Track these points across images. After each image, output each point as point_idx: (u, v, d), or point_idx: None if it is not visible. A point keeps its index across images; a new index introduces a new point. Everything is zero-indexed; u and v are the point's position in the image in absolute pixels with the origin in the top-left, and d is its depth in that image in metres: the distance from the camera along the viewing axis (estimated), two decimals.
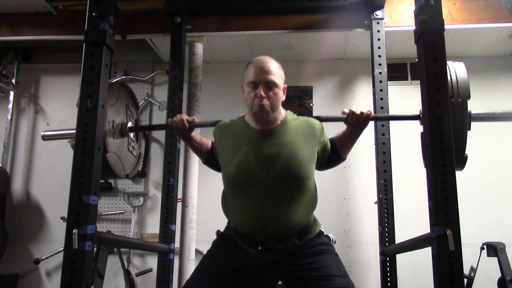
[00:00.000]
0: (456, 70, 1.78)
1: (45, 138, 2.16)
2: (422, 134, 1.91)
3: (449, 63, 1.78)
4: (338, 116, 1.79)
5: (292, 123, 1.70)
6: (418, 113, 1.79)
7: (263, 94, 1.60)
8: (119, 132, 2.02)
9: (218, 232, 1.76)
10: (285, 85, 1.71)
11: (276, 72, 1.65)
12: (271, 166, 1.60)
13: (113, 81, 2.70)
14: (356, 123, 1.72)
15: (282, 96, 1.68)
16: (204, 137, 1.90)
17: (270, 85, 1.62)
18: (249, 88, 1.65)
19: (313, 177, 1.71)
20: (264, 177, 1.59)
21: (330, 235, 1.75)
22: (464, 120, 1.71)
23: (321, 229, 1.72)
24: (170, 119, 1.85)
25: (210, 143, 1.86)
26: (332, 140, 1.79)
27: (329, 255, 1.62)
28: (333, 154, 1.78)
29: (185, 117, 1.82)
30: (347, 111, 1.74)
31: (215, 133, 1.81)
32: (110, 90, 1.87)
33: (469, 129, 1.74)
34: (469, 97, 1.73)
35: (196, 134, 1.88)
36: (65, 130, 2.22)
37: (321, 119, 1.80)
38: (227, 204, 1.73)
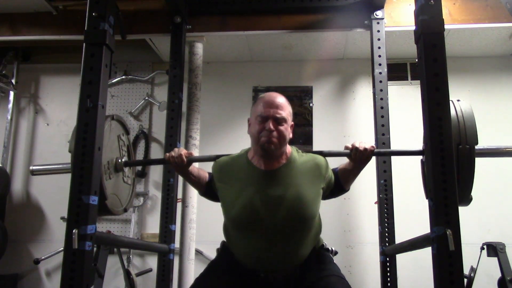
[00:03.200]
0: (463, 112, 1.76)
1: (34, 173, 2.13)
2: (422, 162, 1.88)
3: (455, 101, 1.76)
4: (341, 152, 1.77)
5: (297, 162, 1.69)
6: (421, 149, 1.79)
7: (272, 127, 1.60)
8: (114, 169, 1.98)
9: (223, 243, 1.77)
10: (293, 123, 1.71)
11: (286, 108, 1.66)
12: (277, 208, 1.59)
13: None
14: (359, 159, 1.72)
15: (290, 133, 1.67)
16: (202, 169, 1.87)
17: (279, 121, 1.62)
18: (257, 122, 1.64)
19: (318, 212, 1.70)
20: (269, 218, 1.58)
21: (332, 248, 1.75)
22: (472, 166, 1.71)
23: (322, 243, 1.74)
24: (168, 154, 1.82)
25: (207, 176, 1.83)
26: (335, 172, 1.78)
27: (332, 277, 1.60)
28: (336, 187, 1.78)
29: (183, 151, 1.79)
30: (350, 146, 1.73)
31: (215, 171, 1.78)
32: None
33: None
34: (476, 143, 1.72)
35: (193, 167, 1.85)
36: (55, 165, 2.18)
37: (324, 154, 1.79)
38: (229, 237, 1.73)
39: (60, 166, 2.09)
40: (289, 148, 1.72)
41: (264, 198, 1.60)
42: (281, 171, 1.66)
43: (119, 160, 2.02)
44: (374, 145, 1.74)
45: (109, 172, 1.93)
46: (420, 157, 1.92)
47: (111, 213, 1.92)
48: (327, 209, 3.44)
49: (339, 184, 1.78)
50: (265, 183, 1.64)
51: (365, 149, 1.70)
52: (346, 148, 1.74)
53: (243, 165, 1.71)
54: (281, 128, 1.62)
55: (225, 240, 1.76)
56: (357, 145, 1.71)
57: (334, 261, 1.72)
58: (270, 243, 1.58)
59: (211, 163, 1.83)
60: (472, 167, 1.71)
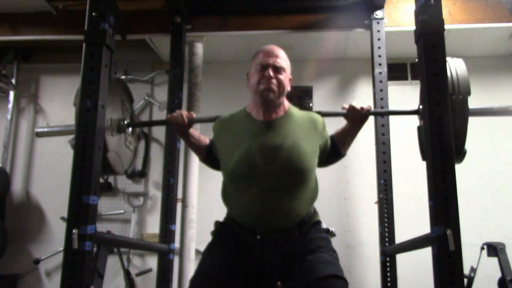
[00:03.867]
0: (456, 67, 1.81)
1: (39, 135, 2.16)
2: (418, 128, 1.93)
3: (448, 59, 1.80)
4: (338, 111, 1.80)
5: (295, 116, 1.71)
6: (417, 108, 1.85)
7: (271, 74, 1.63)
8: (116, 129, 2.02)
9: (216, 223, 1.74)
10: (291, 76, 1.74)
11: (284, 59, 1.70)
12: (274, 158, 1.58)
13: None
14: (356, 118, 1.74)
15: (288, 84, 1.70)
16: (203, 135, 1.90)
17: (279, 69, 1.65)
18: (256, 71, 1.66)
19: (315, 171, 1.70)
20: (267, 169, 1.57)
21: (331, 229, 1.72)
22: (465, 116, 1.73)
23: (319, 219, 1.70)
24: (169, 115, 1.87)
25: (208, 141, 1.86)
26: (331, 137, 1.80)
27: (326, 253, 1.59)
28: (332, 151, 1.79)
29: (184, 112, 1.84)
30: (347, 106, 1.76)
31: (215, 128, 1.80)
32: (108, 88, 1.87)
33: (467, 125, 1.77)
34: (469, 94, 1.75)
35: (195, 131, 1.88)
36: (59, 127, 2.21)
37: (322, 113, 1.81)
38: (227, 194, 1.71)
39: (64, 128, 2.12)
40: (286, 102, 1.74)
41: (261, 148, 1.60)
42: (279, 122, 1.66)
43: (121, 122, 2.05)
44: (370, 105, 1.77)
45: (112, 129, 1.96)
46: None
47: (112, 170, 1.91)
48: (327, 209, 3.43)
49: (335, 148, 1.78)
50: (262, 133, 1.64)
51: (362, 108, 1.73)
52: (343, 108, 1.77)
53: (242, 118, 1.73)
54: (281, 76, 1.65)
55: (222, 201, 1.72)
56: (354, 104, 1.74)
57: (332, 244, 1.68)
58: (266, 195, 1.57)
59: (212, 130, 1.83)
60: (465, 118, 1.73)
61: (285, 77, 1.68)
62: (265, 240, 1.58)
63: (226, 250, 1.62)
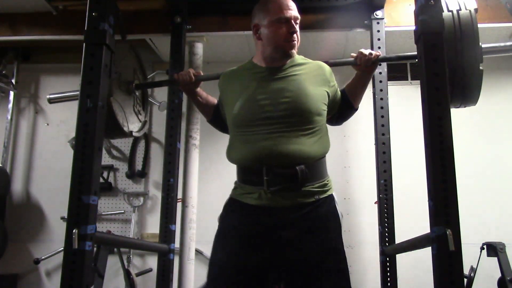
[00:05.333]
0: None
1: (51, 101, 2.17)
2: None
3: None
4: (346, 60, 1.80)
5: (300, 62, 1.70)
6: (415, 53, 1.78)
7: (297, 29, 1.62)
8: (125, 89, 2.01)
9: (225, 206, 1.69)
10: None
11: (296, 8, 1.67)
12: (279, 99, 1.57)
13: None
14: (365, 65, 1.74)
15: None
16: (211, 96, 1.90)
17: (297, 21, 1.65)
18: (276, 25, 1.61)
19: (325, 120, 1.66)
20: (272, 111, 1.56)
21: (340, 212, 1.70)
22: (475, 31, 1.69)
23: (332, 193, 1.65)
24: (177, 74, 1.88)
25: (216, 101, 1.86)
26: (342, 91, 1.79)
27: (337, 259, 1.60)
28: (344, 104, 1.77)
29: (191, 70, 1.85)
30: (355, 54, 1.76)
31: (220, 83, 1.81)
32: (119, 50, 1.86)
33: (481, 62, 1.74)
34: (476, 9, 1.73)
35: (202, 91, 1.89)
36: (70, 92, 2.22)
37: (329, 63, 1.79)
38: (232, 147, 1.68)
39: (75, 93, 2.13)
40: None
41: (267, 91, 1.60)
42: (284, 67, 1.66)
43: (129, 86, 2.06)
44: (380, 52, 1.77)
45: (120, 85, 1.97)
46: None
47: (115, 120, 1.88)
48: None
49: (347, 101, 1.77)
50: (268, 78, 1.64)
51: (371, 53, 1.73)
52: (352, 56, 1.77)
53: (248, 68, 1.73)
54: (298, 30, 1.65)
55: (228, 158, 1.69)
56: (362, 50, 1.74)
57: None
58: (273, 138, 1.53)
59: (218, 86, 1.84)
60: (475, 34, 1.70)
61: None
62: (271, 181, 1.51)
63: (235, 222, 1.58)
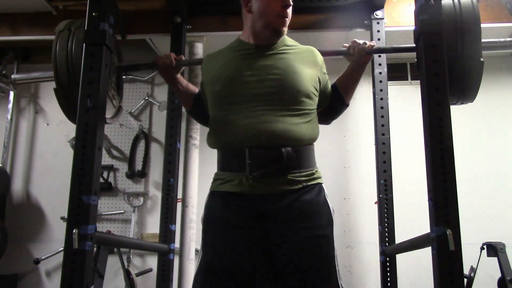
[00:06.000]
0: None
1: (16, 81, 2.14)
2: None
3: None
4: (339, 50, 1.71)
5: (290, 43, 1.63)
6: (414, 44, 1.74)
7: (291, 2, 1.53)
8: None
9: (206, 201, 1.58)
10: None
11: None
12: (266, 76, 1.48)
13: None
14: (359, 54, 1.64)
15: None
16: (192, 84, 1.82)
17: None
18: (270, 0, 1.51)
19: (315, 106, 1.56)
20: (257, 87, 1.47)
21: (331, 206, 1.55)
22: (476, 17, 1.65)
23: (321, 182, 1.53)
24: (156, 56, 1.78)
25: (196, 90, 1.75)
26: (333, 85, 1.69)
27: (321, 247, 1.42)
28: (335, 98, 1.68)
29: (172, 54, 1.75)
30: (348, 44, 1.68)
31: (203, 64, 1.68)
32: None
33: (481, 56, 1.68)
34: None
35: (183, 78, 1.80)
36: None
37: (322, 52, 1.70)
38: (212, 130, 1.56)
39: (41, 74, 2.13)
40: None
41: (252, 67, 1.50)
42: (273, 46, 1.57)
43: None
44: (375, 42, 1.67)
45: None
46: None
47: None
48: None
49: (338, 95, 1.68)
50: (255, 55, 1.54)
51: (365, 43, 1.63)
52: (344, 46, 1.69)
53: (234, 46, 1.62)
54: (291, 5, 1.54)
55: (208, 144, 1.58)
56: (356, 39, 1.66)
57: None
58: (257, 117, 1.43)
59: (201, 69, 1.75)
60: (477, 20, 1.65)
61: None
62: (254, 165, 1.40)
63: (220, 214, 1.46)
